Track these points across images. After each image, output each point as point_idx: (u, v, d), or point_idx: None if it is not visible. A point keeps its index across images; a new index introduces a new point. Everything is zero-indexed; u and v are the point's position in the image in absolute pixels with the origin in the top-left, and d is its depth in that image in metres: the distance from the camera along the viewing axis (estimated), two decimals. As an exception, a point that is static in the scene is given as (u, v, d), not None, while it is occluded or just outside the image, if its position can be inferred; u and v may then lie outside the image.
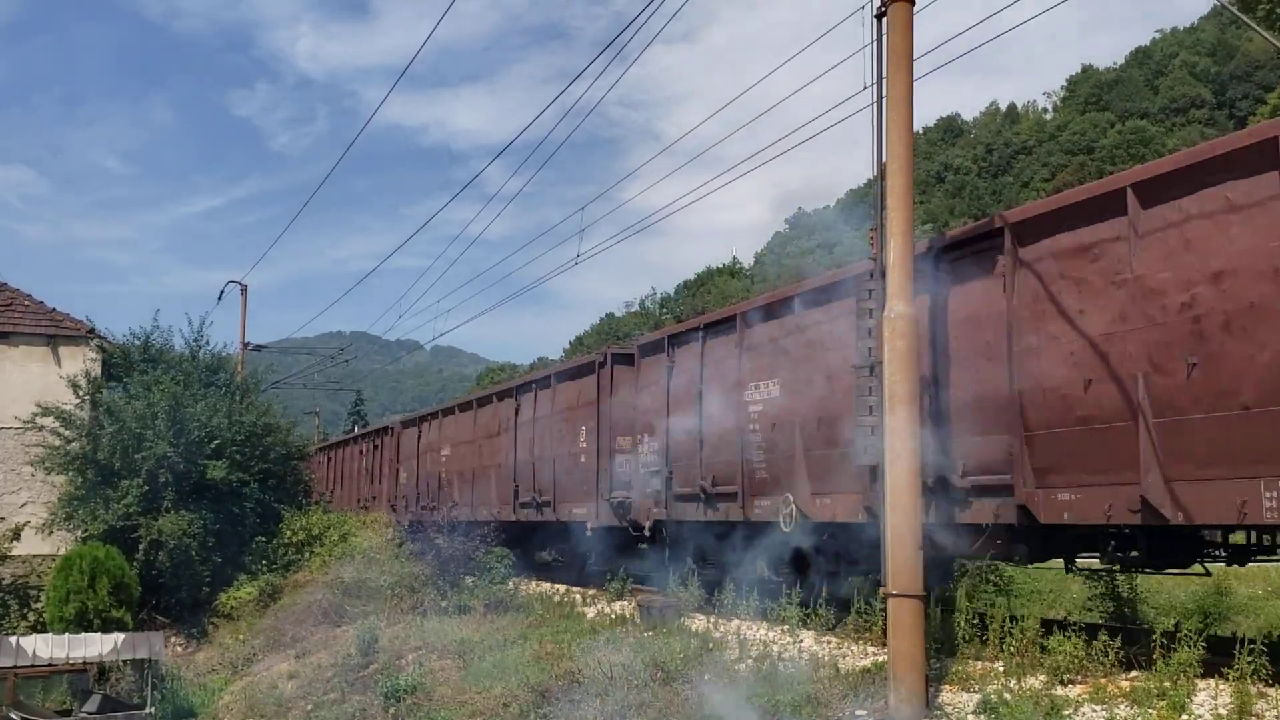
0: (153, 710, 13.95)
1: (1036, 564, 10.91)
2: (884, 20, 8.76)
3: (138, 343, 23.71)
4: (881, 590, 8.54)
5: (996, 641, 9.18)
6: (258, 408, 23.82)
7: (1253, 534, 8.62)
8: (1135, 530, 8.46)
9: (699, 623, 12.49)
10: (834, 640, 10.91)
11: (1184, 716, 7.12)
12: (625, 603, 14.56)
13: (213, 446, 20.85)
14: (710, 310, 30.13)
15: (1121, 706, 7.50)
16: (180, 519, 19.76)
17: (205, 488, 20.63)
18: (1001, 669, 8.73)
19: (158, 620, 19.81)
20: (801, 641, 10.91)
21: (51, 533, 20.63)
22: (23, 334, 21.87)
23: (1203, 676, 7.68)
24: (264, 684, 15.18)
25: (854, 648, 10.47)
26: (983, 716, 7.89)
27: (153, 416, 20.44)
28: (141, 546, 19.69)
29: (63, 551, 19.25)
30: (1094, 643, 8.37)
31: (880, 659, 9.31)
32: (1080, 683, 8.18)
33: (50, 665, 14.04)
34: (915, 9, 8.76)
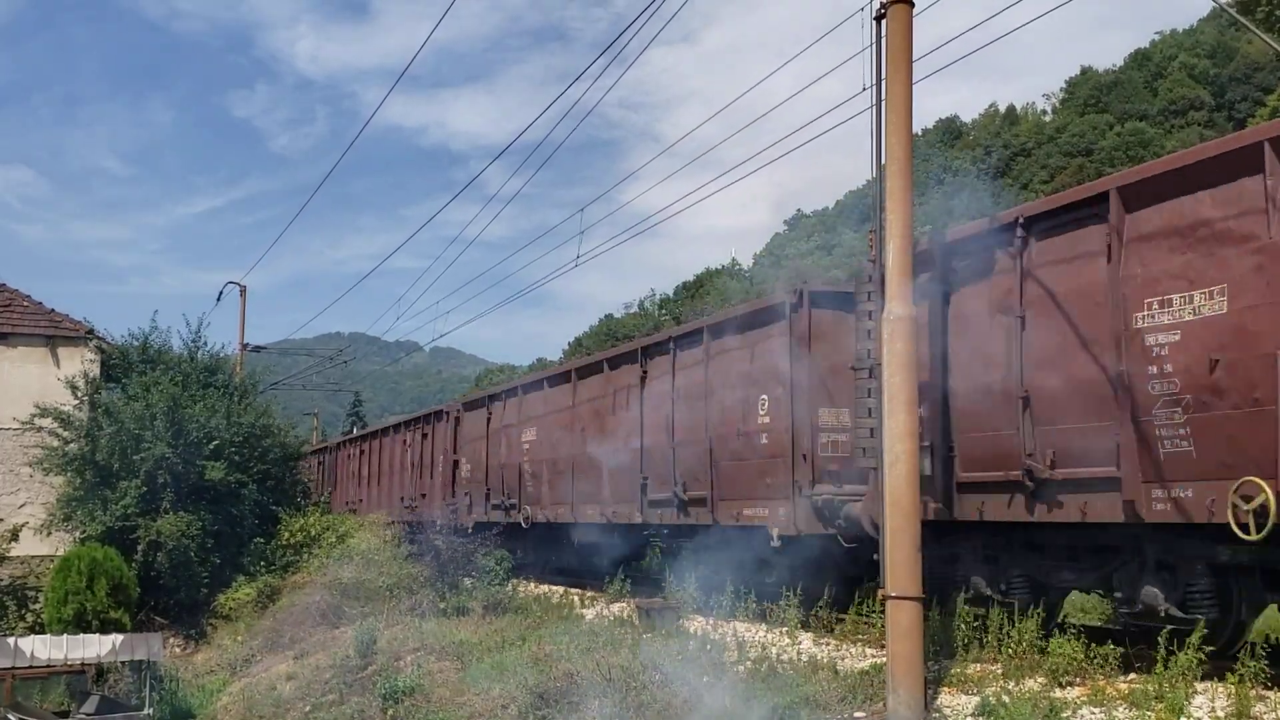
0: (151, 711, 13.95)
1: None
2: (883, 22, 8.76)
3: (136, 344, 23.72)
4: (880, 592, 8.54)
5: (995, 643, 9.18)
6: (256, 409, 23.82)
7: None
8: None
9: (698, 624, 12.49)
10: (833, 642, 10.91)
11: (1182, 719, 7.11)
12: (624, 604, 14.56)
13: (211, 447, 20.84)
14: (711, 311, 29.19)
15: (1120, 709, 7.50)
16: (179, 520, 19.75)
17: (204, 489, 20.62)
18: (1000, 671, 8.73)
19: (156, 621, 19.79)
20: (800, 643, 10.92)
21: (50, 534, 20.61)
22: (21, 335, 21.85)
23: (1201, 679, 7.68)
24: (262, 685, 15.17)
25: (853, 649, 10.47)
26: (981, 719, 7.89)
27: (151, 417, 20.44)
28: (140, 547, 19.68)
29: (61, 552, 19.23)
30: (1093, 645, 8.37)
31: (879, 661, 9.31)
32: (1079, 685, 8.18)
33: (48, 666, 14.04)
34: (915, 11, 8.76)
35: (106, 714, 13.57)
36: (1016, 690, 8.09)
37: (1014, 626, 9.04)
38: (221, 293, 35.68)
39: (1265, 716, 6.98)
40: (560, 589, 17.42)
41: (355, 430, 48.48)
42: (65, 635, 14.77)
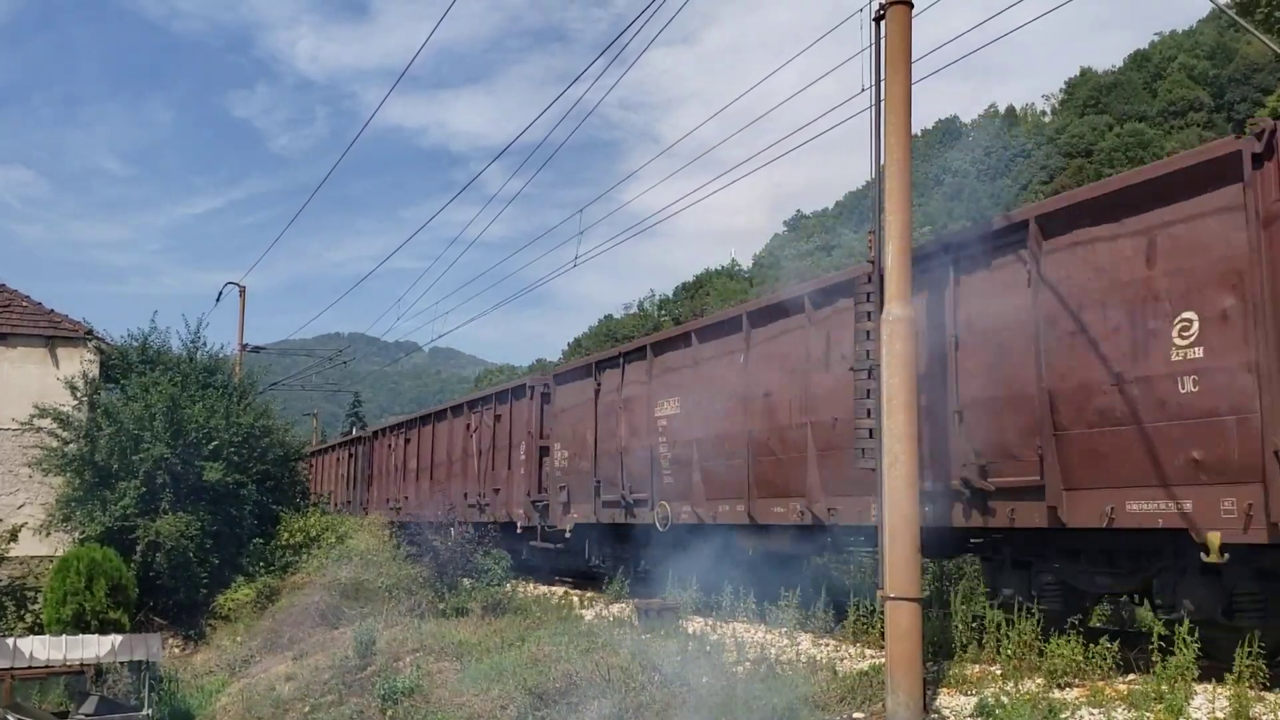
0: (150, 712, 13.93)
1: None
2: (882, 23, 8.77)
3: (135, 344, 23.69)
4: (879, 593, 8.54)
5: (994, 644, 9.18)
6: (255, 409, 23.81)
7: None
8: None
9: (697, 625, 12.50)
10: (832, 643, 10.92)
11: (1181, 720, 7.12)
12: (623, 605, 14.56)
13: (210, 448, 20.83)
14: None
15: (1119, 710, 7.50)
16: (178, 520, 19.74)
17: (203, 489, 20.62)
18: (999, 672, 8.73)
19: (155, 622, 19.78)
20: (800, 644, 10.92)
21: (49, 534, 20.60)
22: (21, 335, 21.84)
23: (1200, 680, 7.68)
24: (261, 686, 15.17)
25: (852, 650, 10.47)
26: (980, 719, 7.89)
27: (150, 418, 20.44)
28: (139, 548, 19.68)
29: (60, 553, 19.21)
30: (1092, 646, 8.37)
31: (878, 661, 9.30)
32: (1078, 686, 8.18)
33: (47, 667, 14.02)
34: (914, 12, 8.76)
35: (105, 714, 13.55)
36: (1015, 691, 8.09)
37: (1013, 627, 9.04)
38: (221, 293, 35.67)
39: (1264, 717, 6.98)
40: (560, 590, 17.42)
41: (355, 430, 48.24)
42: (64, 636, 14.73)
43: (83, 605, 17.18)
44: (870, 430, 9.30)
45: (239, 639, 18.30)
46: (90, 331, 22.53)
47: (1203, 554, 7.56)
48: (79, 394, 21.15)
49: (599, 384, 17.27)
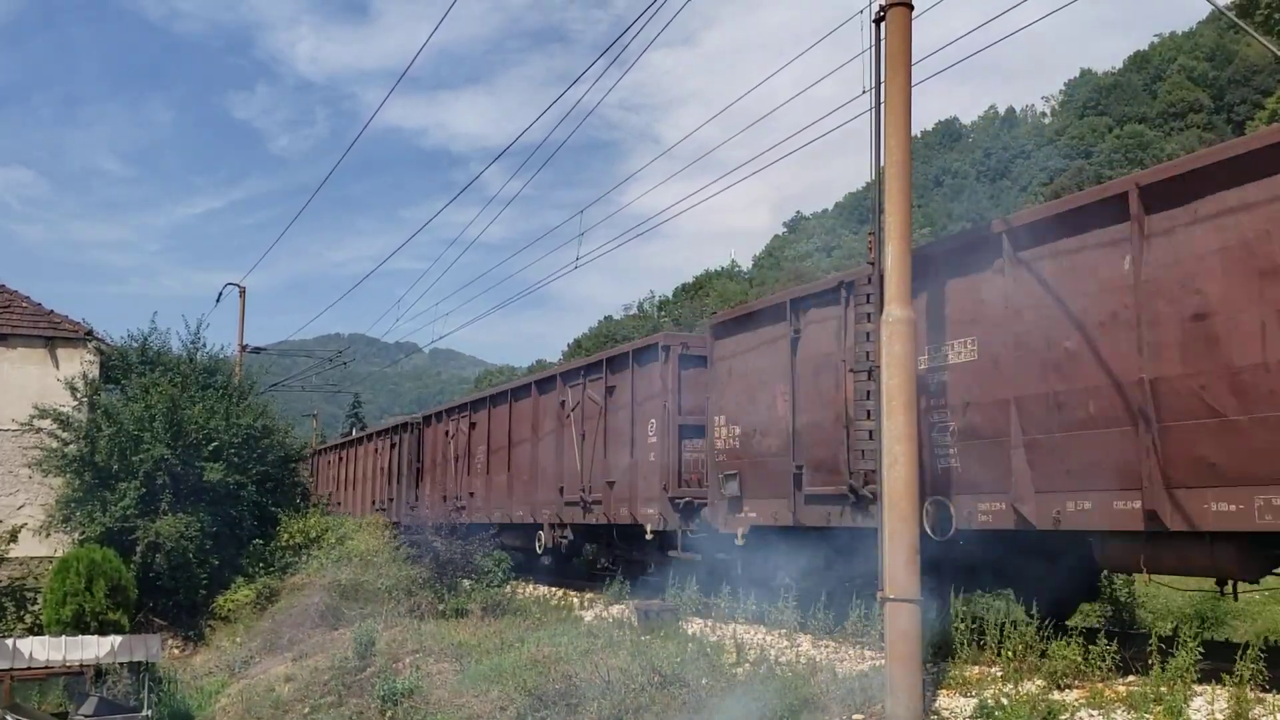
0: (149, 713, 13.93)
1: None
2: (882, 25, 8.77)
3: (135, 345, 23.72)
4: (879, 594, 8.54)
5: (994, 646, 9.18)
6: (255, 410, 23.81)
7: None
8: None
9: (696, 626, 12.50)
10: (831, 644, 10.92)
11: (1181, 721, 7.12)
12: (623, 606, 14.56)
13: (210, 449, 20.83)
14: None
15: (1119, 711, 7.50)
16: (178, 521, 19.74)
17: (203, 490, 20.61)
18: (999, 673, 8.73)
19: (155, 622, 19.77)
20: (799, 645, 10.92)
21: (49, 535, 20.59)
22: (20, 336, 21.84)
23: (1200, 682, 7.68)
24: (261, 686, 15.16)
25: (851, 651, 10.47)
26: (980, 721, 7.89)
27: (150, 419, 20.44)
28: (139, 549, 19.67)
29: (60, 554, 19.21)
30: (1091, 647, 8.37)
31: (878, 663, 9.31)
32: (1077, 687, 8.18)
33: (47, 667, 14.02)
34: (914, 14, 8.77)
35: (105, 715, 13.55)
36: (1015, 692, 8.09)
37: (1013, 628, 9.04)
38: (221, 294, 35.70)
39: (1263, 719, 6.98)
40: (559, 590, 17.42)
41: (355, 431, 48.03)
42: (64, 636, 14.74)
43: (82, 606, 17.17)
44: (870, 431, 9.31)
45: (238, 640, 18.30)
46: (90, 332, 22.54)
47: None
48: (79, 395, 21.15)
49: (798, 330, 12.33)
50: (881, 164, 8.75)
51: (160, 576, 19.96)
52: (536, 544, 19.40)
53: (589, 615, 14.50)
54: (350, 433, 46.96)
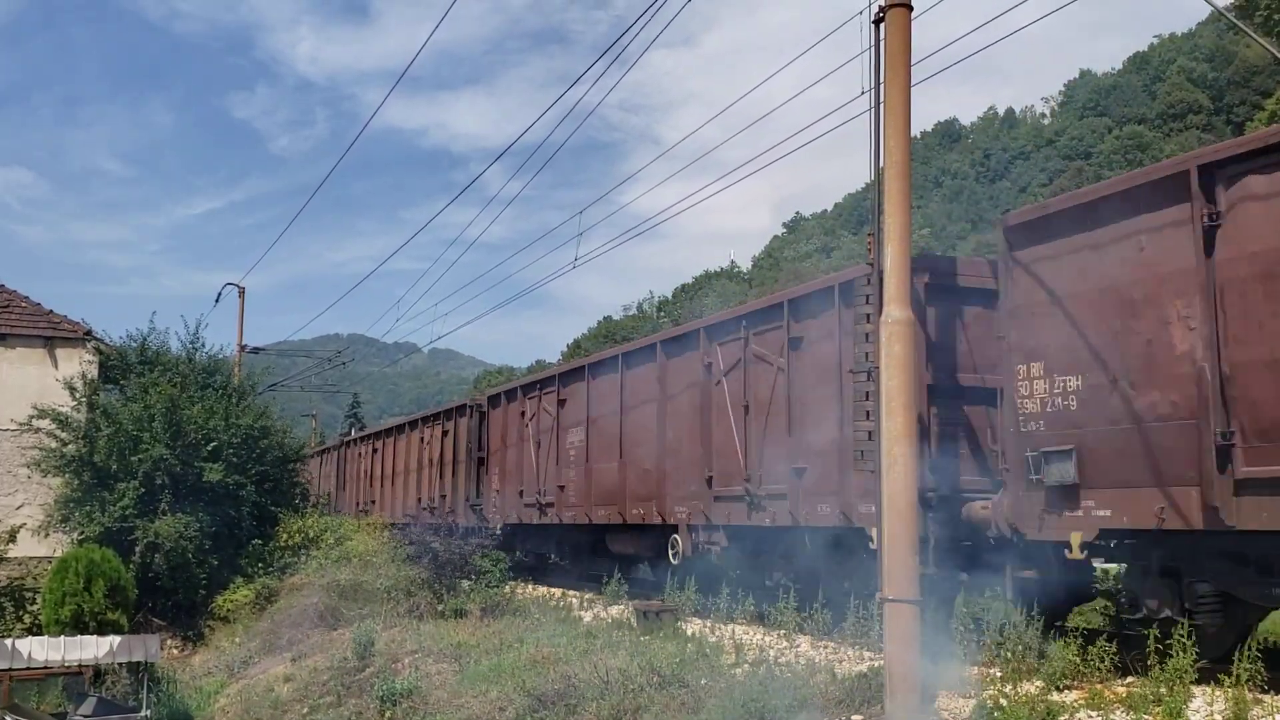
0: (148, 714, 13.91)
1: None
2: (882, 25, 8.77)
3: (135, 345, 23.74)
4: (878, 595, 8.54)
5: (993, 647, 9.18)
6: (254, 410, 23.82)
7: None
8: None
9: (695, 627, 12.50)
10: (830, 645, 10.92)
11: (1180, 722, 7.11)
12: (621, 606, 14.55)
13: (209, 449, 20.83)
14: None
15: (1118, 712, 7.50)
16: (177, 521, 19.74)
17: (202, 490, 20.61)
18: (998, 674, 8.73)
19: (154, 623, 19.76)
20: (798, 646, 10.92)
21: (48, 535, 20.59)
22: (20, 336, 21.83)
23: (1199, 683, 7.68)
24: (260, 687, 15.16)
25: (850, 652, 10.47)
26: (979, 722, 7.88)
27: (149, 419, 20.44)
28: (138, 549, 19.66)
29: (59, 554, 19.20)
30: (1090, 648, 8.37)
31: (877, 664, 9.31)
32: (1077, 688, 8.18)
33: (46, 668, 14.00)
34: (913, 15, 8.77)
35: (104, 716, 13.54)
36: (1014, 694, 8.09)
37: (1012, 629, 9.04)
38: (220, 294, 35.72)
39: (1262, 719, 6.99)
40: (558, 591, 17.41)
41: (354, 431, 47.72)
42: (62, 637, 14.72)
43: (81, 606, 17.16)
44: (869, 432, 9.32)
45: (237, 640, 18.30)
46: (89, 332, 22.53)
47: None
48: (78, 395, 21.14)
49: (1218, 211, 7.82)
50: (881, 165, 8.75)
51: (159, 576, 19.95)
52: (671, 551, 15.11)
53: (588, 616, 14.50)
54: (349, 432, 46.65)
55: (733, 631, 11.80)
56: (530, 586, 18.58)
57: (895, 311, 8.54)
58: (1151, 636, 7.97)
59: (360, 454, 33.78)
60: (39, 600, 18.71)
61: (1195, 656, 7.39)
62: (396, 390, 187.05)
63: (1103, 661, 8.26)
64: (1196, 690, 7.60)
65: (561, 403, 18.67)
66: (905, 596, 8.22)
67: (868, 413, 9.41)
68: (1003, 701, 7.91)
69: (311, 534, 22.42)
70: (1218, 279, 7.70)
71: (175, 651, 19.29)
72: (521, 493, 19.76)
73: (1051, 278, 9.19)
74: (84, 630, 16.11)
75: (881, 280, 8.75)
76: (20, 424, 20.67)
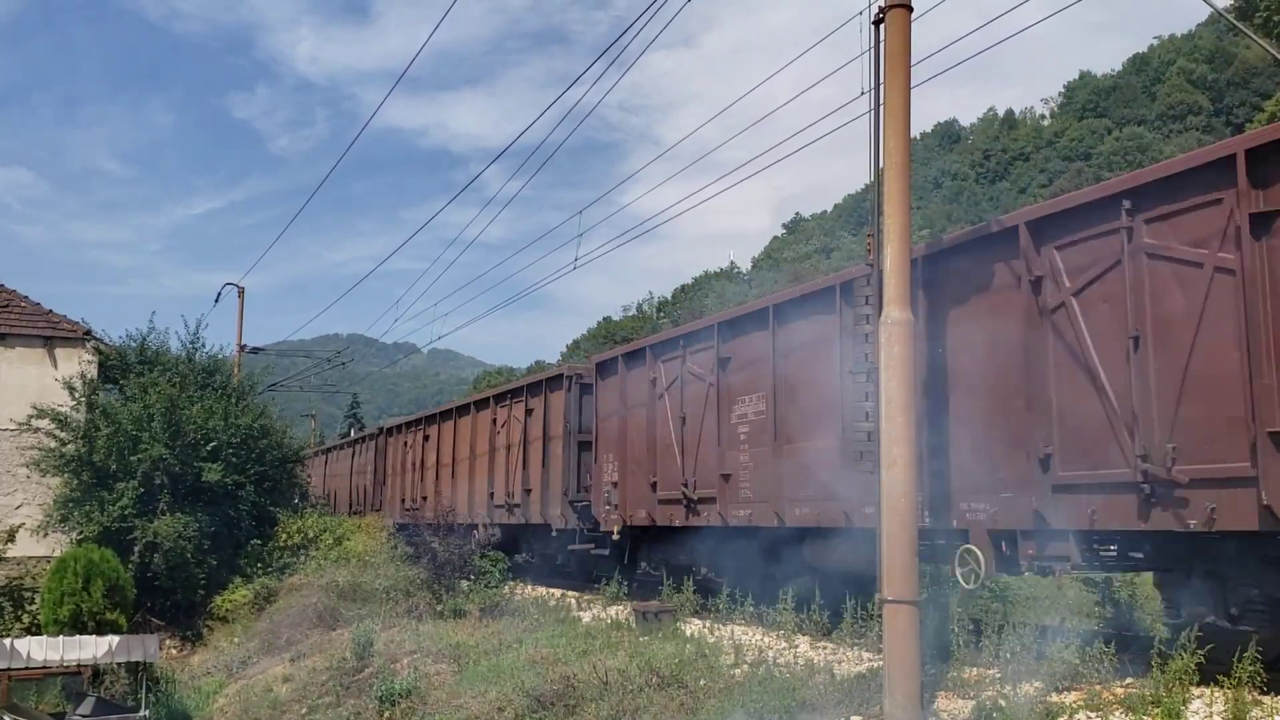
0: (147, 713, 13.91)
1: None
2: (882, 26, 8.77)
3: (134, 345, 23.74)
4: (877, 596, 8.54)
5: (992, 647, 9.17)
6: (254, 410, 23.82)
7: None
8: None
9: (695, 627, 12.49)
10: (829, 645, 10.91)
11: (1179, 724, 7.10)
12: (621, 607, 14.55)
13: (209, 449, 20.83)
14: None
15: (1117, 713, 7.49)
16: (176, 521, 19.74)
17: (201, 490, 20.61)
18: (997, 675, 8.72)
19: (152, 623, 19.76)
20: (797, 646, 10.91)
21: (46, 535, 20.58)
22: (19, 335, 21.83)
23: (1198, 684, 7.67)
24: (259, 687, 15.16)
25: (849, 653, 10.46)
26: (978, 723, 7.88)
27: (149, 419, 20.44)
28: (137, 549, 19.67)
29: (58, 553, 19.20)
30: (1089, 649, 8.36)
31: (876, 664, 9.30)
32: (1075, 689, 8.17)
33: (44, 667, 14.00)
34: (913, 15, 8.77)
35: (102, 715, 13.54)
36: (1013, 694, 8.08)
37: (1011, 630, 9.03)
38: (220, 294, 35.67)
39: (1261, 721, 6.97)
40: (558, 591, 17.39)
41: (352, 432, 47.62)
42: (61, 636, 14.72)
43: (80, 606, 17.16)
44: (869, 433, 9.31)
45: (236, 640, 18.30)
46: (89, 332, 22.53)
47: None
48: (77, 394, 21.15)
49: None
50: (881, 165, 8.74)
51: (158, 576, 19.95)
52: (961, 570, 9.39)
53: (587, 616, 14.50)
54: (349, 433, 46.49)
55: (732, 632, 11.79)
56: (529, 586, 18.57)
57: (895, 312, 8.53)
58: (1156, 638, 7.95)
59: (408, 442, 27.85)
60: (38, 600, 18.70)
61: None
62: (396, 390, 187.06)
63: (1102, 662, 8.25)
64: (1196, 691, 7.59)
65: (723, 362, 13.58)
66: (904, 597, 8.22)
67: (867, 413, 9.40)
68: (1002, 702, 7.91)
69: (311, 534, 22.42)
70: None
71: (174, 651, 19.29)
72: (655, 485, 14.84)
73: None
74: (83, 630, 16.11)
75: (881, 281, 8.74)
76: (19, 424, 20.67)
